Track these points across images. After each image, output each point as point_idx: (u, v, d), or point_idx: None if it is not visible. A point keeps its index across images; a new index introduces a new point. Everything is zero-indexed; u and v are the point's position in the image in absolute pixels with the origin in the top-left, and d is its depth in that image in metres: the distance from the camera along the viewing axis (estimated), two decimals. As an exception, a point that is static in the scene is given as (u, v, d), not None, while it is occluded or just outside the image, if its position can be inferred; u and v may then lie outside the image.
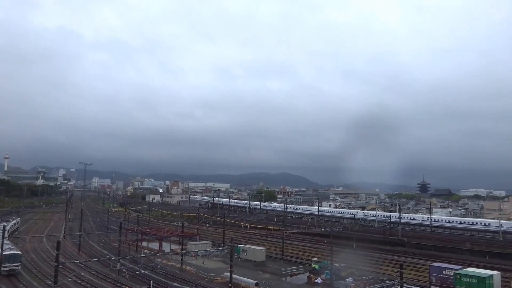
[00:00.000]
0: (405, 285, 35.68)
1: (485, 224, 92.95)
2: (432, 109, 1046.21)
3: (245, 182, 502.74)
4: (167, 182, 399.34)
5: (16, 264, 48.36)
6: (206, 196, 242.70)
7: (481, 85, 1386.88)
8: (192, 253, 56.66)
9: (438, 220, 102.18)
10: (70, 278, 40.02)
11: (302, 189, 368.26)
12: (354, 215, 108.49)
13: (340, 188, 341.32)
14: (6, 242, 51.13)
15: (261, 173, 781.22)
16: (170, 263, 55.19)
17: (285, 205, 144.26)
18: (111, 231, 79.59)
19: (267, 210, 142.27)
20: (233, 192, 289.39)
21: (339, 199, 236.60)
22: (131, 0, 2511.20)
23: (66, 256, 58.79)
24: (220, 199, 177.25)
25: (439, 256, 61.02)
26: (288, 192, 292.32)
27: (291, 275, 49.92)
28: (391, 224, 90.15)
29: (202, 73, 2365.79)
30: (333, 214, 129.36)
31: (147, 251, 66.99)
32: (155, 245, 70.30)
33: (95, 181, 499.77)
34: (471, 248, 68.59)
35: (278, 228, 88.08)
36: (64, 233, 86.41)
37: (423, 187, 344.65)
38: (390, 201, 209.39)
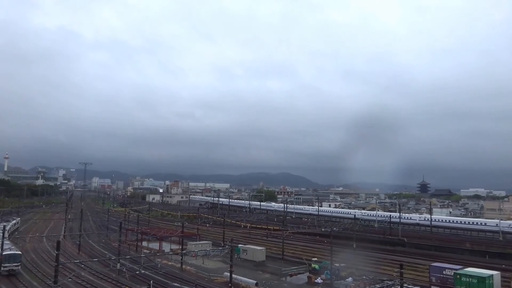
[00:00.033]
0: (405, 285, 35.67)
1: (482, 224, 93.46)
2: (432, 109, 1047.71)
3: (245, 182, 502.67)
4: (167, 182, 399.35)
5: (16, 264, 48.34)
6: (206, 196, 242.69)
7: (481, 85, 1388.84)
8: (192, 253, 56.66)
9: (436, 220, 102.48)
10: (70, 278, 40.02)
11: (302, 189, 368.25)
12: (354, 215, 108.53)
13: (340, 188, 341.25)
14: (6, 242, 51.10)
15: (261, 173, 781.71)
16: (170, 263, 55.18)
17: (285, 205, 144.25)
18: (111, 231, 79.56)
19: (267, 210, 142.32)
20: (233, 192, 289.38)
21: (339, 199, 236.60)
22: (131, 0, 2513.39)
23: (66, 256, 58.77)
24: (220, 199, 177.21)
25: (439, 256, 61.00)
26: (288, 192, 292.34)
27: (291, 275, 49.91)
28: (391, 224, 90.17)
29: (202, 73, 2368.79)
30: (333, 214, 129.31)
31: (147, 251, 66.98)
32: (155, 245, 70.27)
33: (95, 181, 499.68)
34: (471, 248, 68.58)
35: (278, 228, 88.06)
36: (64, 233, 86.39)
37: (423, 187, 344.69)
38: (390, 201, 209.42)
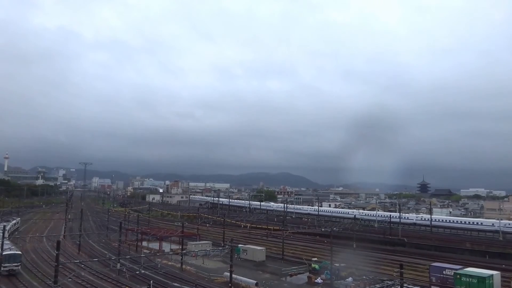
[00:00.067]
0: (405, 285, 35.65)
1: (478, 223, 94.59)
2: (432, 109, 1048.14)
3: (245, 182, 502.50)
4: (167, 182, 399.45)
5: (16, 264, 48.33)
6: (206, 196, 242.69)
7: (481, 85, 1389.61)
8: (192, 253, 56.66)
9: (428, 219, 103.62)
10: (70, 278, 40.02)
11: (302, 189, 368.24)
12: (354, 215, 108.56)
13: (340, 188, 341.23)
14: (6, 242, 51.10)
15: (261, 173, 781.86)
16: (170, 263, 55.17)
17: (285, 205, 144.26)
18: (111, 231, 79.55)
19: (267, 210, 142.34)
20: (233, 192, 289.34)
21: (339, 199, 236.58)
22: (131, 0, 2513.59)
23: (66, 256, 58.78)
24: (220, 199, 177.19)
25: (439, 256, 60.99)
26: (288, 192, 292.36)
27: (291, 275, 49.90)
28: (391, 224, 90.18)
29: (202, 73, 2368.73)
30: (333, 214, 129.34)
31: (147, 251, 66.98)
32: (155, 245, 70.27)
33: (95, 181, 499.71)
34: (471, 248, 68.61)
35: (278, 228, 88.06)
36: (64, 233, 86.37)
37: (423, 187, 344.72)
38: (390, 201, 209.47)
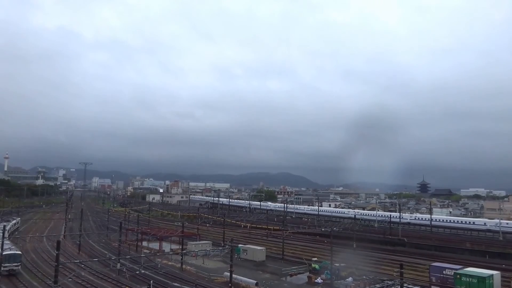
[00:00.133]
0: (405, 285, 35.65)
1: (470, 223, 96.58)
2: (432, 109, 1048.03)
3: (245, 182, 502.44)
4: (167, 182, 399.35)
5: (16, 264, 48.33)
6: (206, 196, 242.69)
7: (481, 85, 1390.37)
8: (192, 253, 56.66)
9: (423, 219, 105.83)
10: (70, 278, 40.04)
11: (302, 189, 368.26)
12: (354, 215, 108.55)
13: (340, 188, 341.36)
14: (6, 242, 51.03)
15: (261, 173, 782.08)
16: (170, 263, 55.16)
17: (285, 205, 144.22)
18: (111, 231, 79.57)
19: (267, 210, 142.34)
20: (233, 192, 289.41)
21: (339, 199, 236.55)
22: (131, 0, 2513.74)
23: (66, 256, 58.77)
24: (220, 199, 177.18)
25: (439, 256, 61.01)
26: (288, 192, 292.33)
27: (291, 275, 49.90)
28: (391, 224, 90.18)
29: (202, 73, 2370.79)
30: (333, 214, 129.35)
31: (147, 251, 66.97)
32: (155, 245, 70.24)
33: (95, 181, 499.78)
34: (471, 248, 68.63)
35: (278, 228, 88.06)
36: (64, 233, 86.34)
37: (423, 187, 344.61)
38: (390, 201, 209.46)
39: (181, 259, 53.02)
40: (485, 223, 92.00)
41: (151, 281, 37.46)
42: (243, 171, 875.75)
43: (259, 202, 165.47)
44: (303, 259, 57.08)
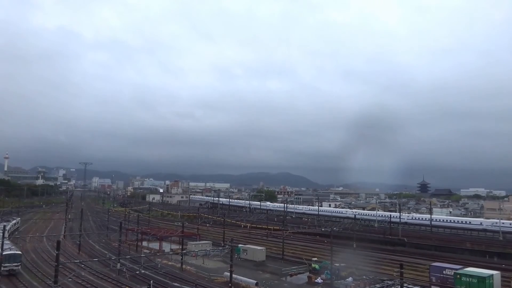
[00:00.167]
0: (405, 285, 35.66)
1: (466, 222, 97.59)
2: (432, 109, 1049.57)
3: (245, 182, 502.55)
4: (167, 182, 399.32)
5: (16, 264, 48.32)
6: (206, 196, 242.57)
7: (481, 85, 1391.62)
8: (192, 253, 56.65)
9: (420, 218, 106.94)
10: (70, 278, 40.04)
11: (302, 189, 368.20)
12: (354, 215, 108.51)
13: (340, 188, 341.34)
14: (6, 242, 51.01)
15: (261, 173, 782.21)
16: (170, 263, 55.16)
17: (285, 204, 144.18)
18: (111, 231, 79.57)
19: (267, 210, 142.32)
20: (233, 192, 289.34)
21: (339, 199, 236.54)
22: (131, 0, 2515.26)
23: (66, 256, 58.77)
24: (220, 199, 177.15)
25: (439, 256, 60.99)
26: (288, 192, 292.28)
27: (291, 275, 49.90)
28: (391, 224, 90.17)
29: (202, 73, 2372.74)
30: (333, 214, 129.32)
31: (147, 251, 66.97)
32: (155, 245, 70.24)
33: (95, 181, 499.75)
34: (471, 248, 68.62)
35: (278, 228, 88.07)
36: (64, 233, 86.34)
37: (423, 187, 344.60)
38: (390, 201, 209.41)
39: (181, 259, 53.00)
40: (481, 223, 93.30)
41: (151, 281, 37.45)
42: (243, 171, 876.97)
43: (259, 202, 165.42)
44: (303, 259, 57.07)
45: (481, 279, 37.01)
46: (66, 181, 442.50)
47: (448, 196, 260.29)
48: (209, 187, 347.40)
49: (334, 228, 72.39)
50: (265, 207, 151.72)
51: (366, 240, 73.47)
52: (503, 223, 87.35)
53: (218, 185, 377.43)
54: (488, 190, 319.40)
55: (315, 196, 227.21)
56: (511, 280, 42.57)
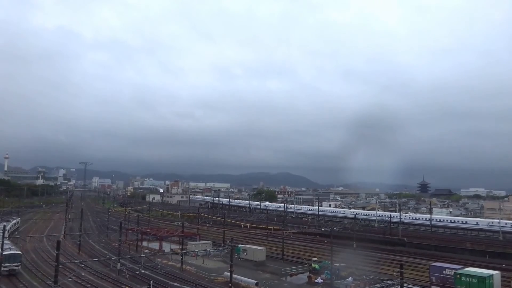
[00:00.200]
0: (405, 285, 35.66)
1: (463, 222, 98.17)
2: (432, 109, 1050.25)
3: (245, 182, 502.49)
4: (167, 182, 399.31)
5: (16, 264, 48.33)
6: (206, 196, 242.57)
7: (481, 85, 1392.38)
8: (192, 253, 56.65)
9: (416, 218, 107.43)
10: (70, 278, 40.05)
11: (302, 189, 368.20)
12: (355, 215, 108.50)
13: (340, 188, 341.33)
14: (6, 242, 51.02)
15: (261, 173, 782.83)
16: (170, 263, 55.16)
17: (285, 204, 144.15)
18: (111, 231, 79.57)
19: (267, 210, 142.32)
20: (233, 192, 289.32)
21: (339, 199, 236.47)
22: (131, 0, 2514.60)
23: (66, 256, 58.78)
24: (220, 199, 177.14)
25: (439, 256, 60.98)
26: (288, 192, 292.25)
27: (291, 275, 49.90)
28: (391, 224, 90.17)
29: (202, 73, 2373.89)
30: (333, 214, 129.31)
31: (147, 251, 66.97)
32: (155, 245, 70.25)
33: (95, 181, 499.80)
34: (471, 248, 68.61)
35: (278, 228, 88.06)
36: (64, 233, 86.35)
37: (423, 187, 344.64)
38: (390, 201, 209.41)
39: (181, 259, 53.01)
40: (477, 223, 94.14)
41: (151, 281, 37.47)
42: (243, 171, 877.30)
43: (259, 202, 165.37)
44: (303, 259, 57.07)
45: (481, 279, 37.01)
46: (66, 181, 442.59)
47: (448, 196, 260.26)
48: (209, 187, 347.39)
49: (334, 228, 72.39)
50: (265, 207, 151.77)
51: (366, 240, 73.45)
52: (505, 223, 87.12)
53: (218, 185, 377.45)
54: (488, 190, 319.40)
55: (315, 196, 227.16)
56: (511, 280, 42.58)
